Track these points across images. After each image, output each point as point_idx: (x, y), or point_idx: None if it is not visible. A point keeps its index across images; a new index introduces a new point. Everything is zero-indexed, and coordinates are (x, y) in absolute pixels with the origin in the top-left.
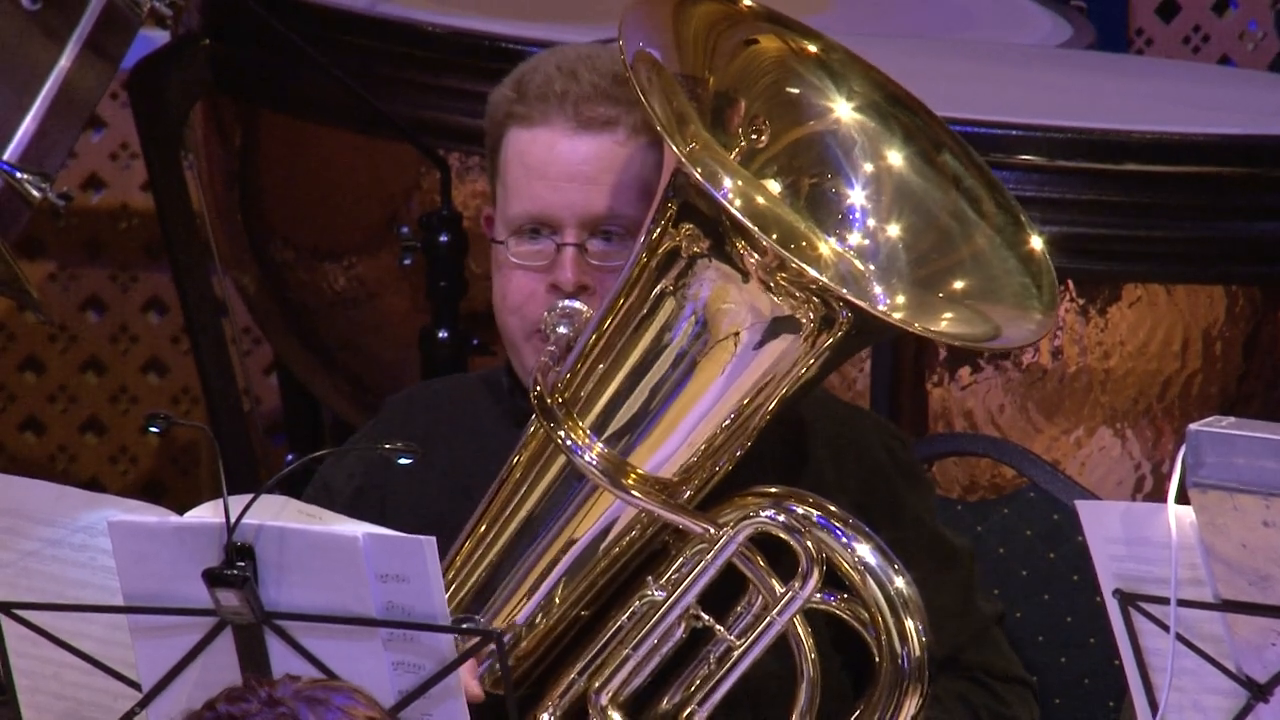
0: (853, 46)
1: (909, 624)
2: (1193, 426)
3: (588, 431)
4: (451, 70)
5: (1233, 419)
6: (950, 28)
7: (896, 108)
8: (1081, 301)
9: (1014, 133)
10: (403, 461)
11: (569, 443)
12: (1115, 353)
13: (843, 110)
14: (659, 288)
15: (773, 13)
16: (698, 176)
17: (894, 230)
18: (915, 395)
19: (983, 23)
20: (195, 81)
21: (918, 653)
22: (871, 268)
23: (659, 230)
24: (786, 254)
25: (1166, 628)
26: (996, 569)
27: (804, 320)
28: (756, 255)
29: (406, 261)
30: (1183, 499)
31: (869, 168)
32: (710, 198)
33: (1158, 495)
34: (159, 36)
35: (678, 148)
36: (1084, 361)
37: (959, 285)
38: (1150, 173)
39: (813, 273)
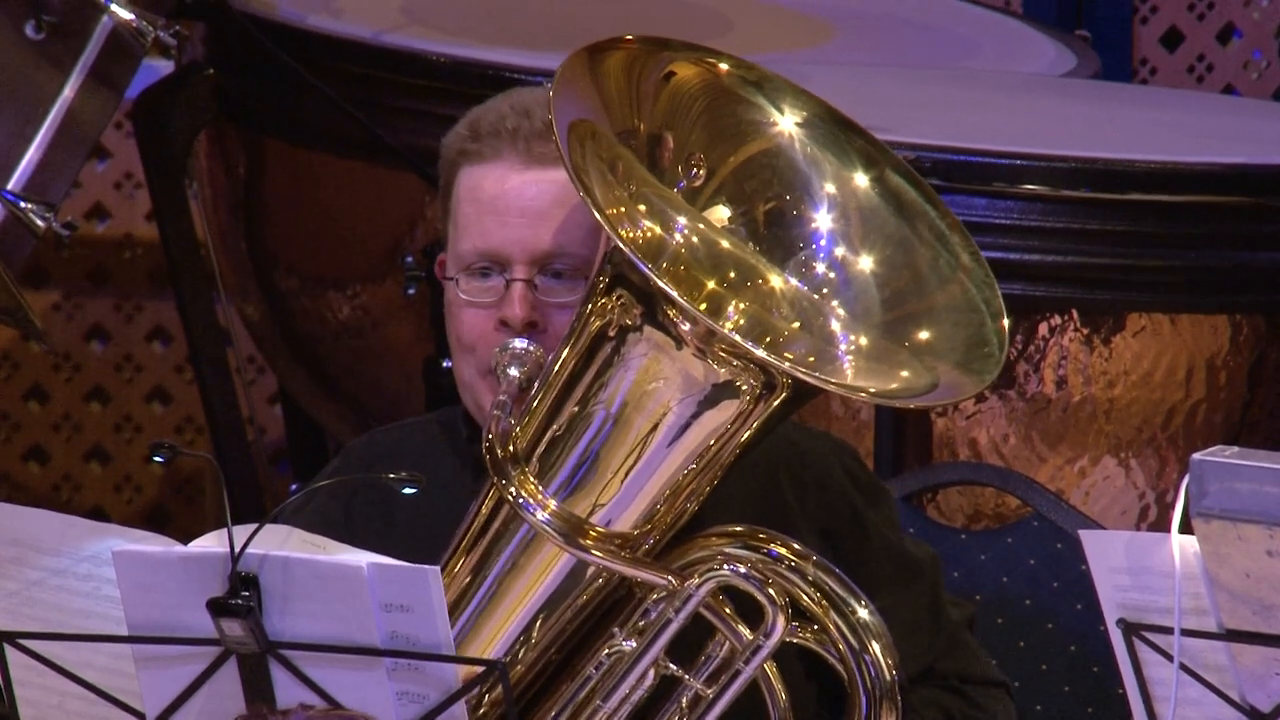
0: (857, 75)
1: (875, 649)
2: (1196, 456)
3: (540, 487)
4: (456, 99)
5: (1236, 448)
6: (954, 57)
7: (844, 128)
8: (1085, 331)
9: (1018, 162)
10: (407, 491)
11: (521, 500)
12: (1119, 382)
13: (786, 125)
14: (600, 353)
15: (683, 42)
16: (628, 252)
17: (866, 263)
18: (919, 424)
19: (987, 52)
20: (199, 111)
21: (887, 678)
22: (836, 305)
23: (598, 293)
24: (716, 326)
25: (1170, 657)
26: (1000, 598)
27: (744, 386)
28: (688, 324)
29: (410, 290)
30: (1186, 528)
31: (830, 189)
32: (639, 269)
33: (1161, 525)
34: (163, 66)
35: (608, 206)
36: (1088, 391)
37: (924, 336)
38: (1154, 202)
39: (748, 346)
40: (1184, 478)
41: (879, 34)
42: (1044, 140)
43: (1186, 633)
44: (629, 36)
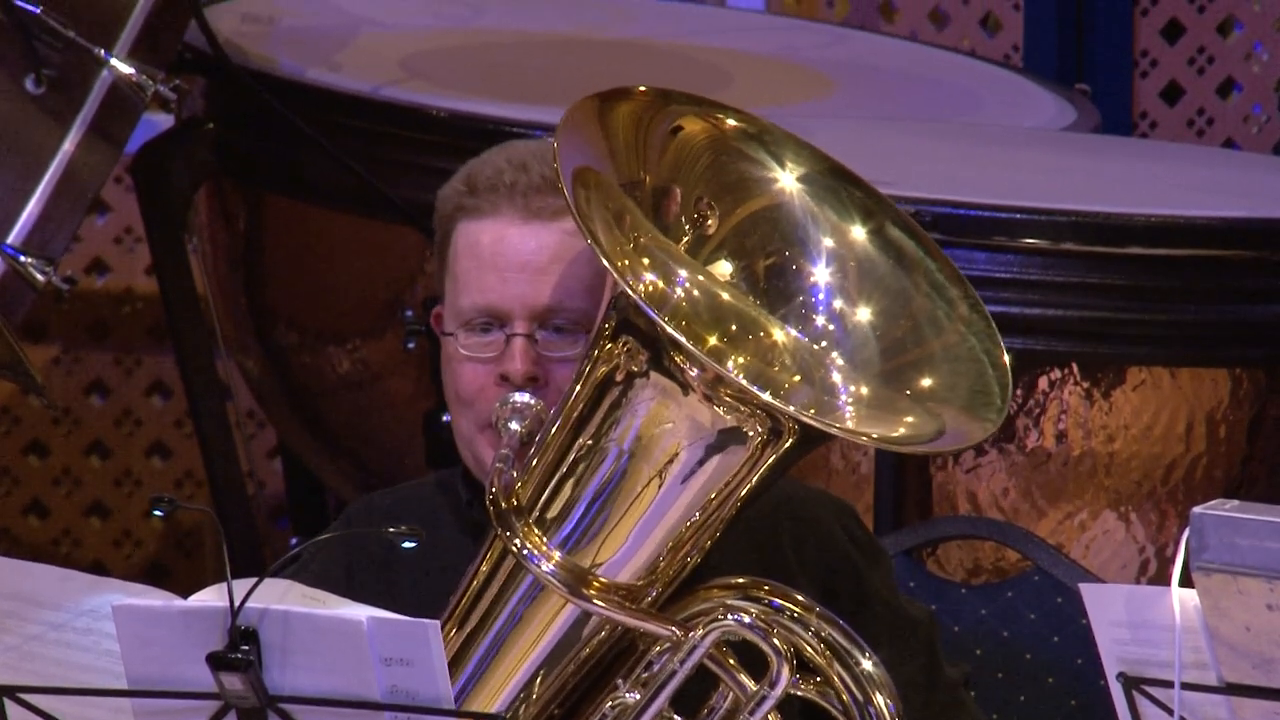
0: (857, 129)
1: (879, 700)
2: (1196, 509)
3: (544, 539)
4: (456, 153)
5: (1237, 502)
6: (955, 111)
7: (844, 181)
8: (1085, 385)
9: (1018, 216)
10: (407, 545)
11: (526, 551)
12: (1119, 436)
13: (787, 181)
14: (606, 400)
15: (690, 95)
16: (635, 296)
17: (864, 314)
18: (919, 478)
19: (988, 106)
20: (199, 165)
21: None
22: (836, 356)
23: (604, 340)
24: (724, 371)
25: (1170, 711)
26: (1001, 652)
27: (750, 432)
28: (695, 370)
29: (410, 345)
30: (1186, 582)
31: (829, 243)
32: (646, 315)
33: (1161, 578)
34: (163, 120)
35: (613, 255)
36: (1088, 445)
37: (925, 383)
38: (1154, 256)
39: (756, 391)
40: (1184, 531)
41: (879, 87)
42: (1044, 194)
43: (1187, 686)
44: (641, 88)
